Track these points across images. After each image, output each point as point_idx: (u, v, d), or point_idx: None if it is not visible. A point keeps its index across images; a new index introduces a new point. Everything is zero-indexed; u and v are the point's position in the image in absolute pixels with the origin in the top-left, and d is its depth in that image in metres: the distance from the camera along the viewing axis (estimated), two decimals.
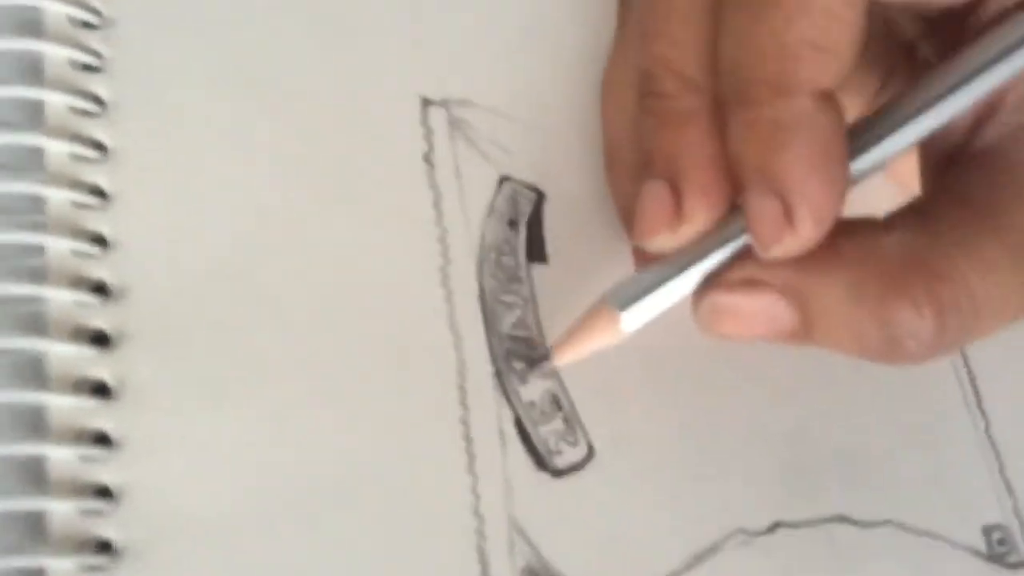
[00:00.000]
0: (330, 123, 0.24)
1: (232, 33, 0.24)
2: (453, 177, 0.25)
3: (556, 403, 0.24)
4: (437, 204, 0.25)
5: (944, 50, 0.22)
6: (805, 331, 0.22)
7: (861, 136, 0.22)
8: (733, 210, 0.22)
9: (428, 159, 0.25)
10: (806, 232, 0.20)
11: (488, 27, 0.26)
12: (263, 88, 0.24)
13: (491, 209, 0.25)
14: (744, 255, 0.22)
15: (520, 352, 0.24)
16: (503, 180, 0.25)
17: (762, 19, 0.20)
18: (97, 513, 0.19)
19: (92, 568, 0.19)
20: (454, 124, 0.25)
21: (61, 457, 0.19)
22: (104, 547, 0.19)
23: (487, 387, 0.24)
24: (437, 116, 0.25)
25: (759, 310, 0.21)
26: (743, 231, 0.22)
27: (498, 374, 0.24)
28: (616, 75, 0.25)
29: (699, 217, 0.22)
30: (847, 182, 0.21)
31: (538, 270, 0.25)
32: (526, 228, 0.25)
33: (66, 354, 0.20)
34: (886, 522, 0.26)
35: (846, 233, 0.21)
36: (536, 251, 0.25)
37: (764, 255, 0.21)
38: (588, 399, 0.24)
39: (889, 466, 0.26)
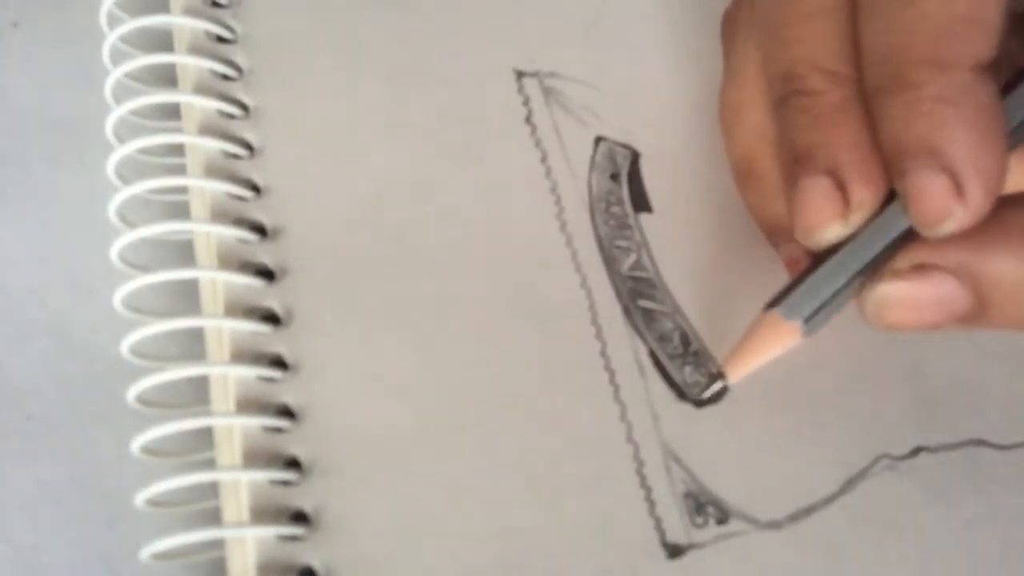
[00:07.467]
0: (440, 91, 0.26)
1: (346, 8, 0.25)
2: (554, 137, 0.26)
3: (685, 339, 0.25)
4: (544, 160, 0.26)
5: None
6: (980, 312, 0.21)
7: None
8: (885, 203, 0.22)
9: (529, 121, 0.26)
10: (977, 201, 0.20)
11: (567, 8, 0.28)
12: (379, 59, 0.26)
13: (593, 164, 0.26)
14: (906, 244, 0.21)
15: (642, 292, 0.25)
16: (599, 140, 0.27)
17: (913, 2, 0.20)
18: (282, 431, 0.19)
19: (283, 483, 0.19)
20: (547, 92, 0.27)
21: (240, 376, 0.19)
22: (293, 464, 0.19)
23: (619, 323, 0.24)
24: (531, 85, 0.27)
25: (932, 296, 0.21)
26: (901, 219, 0.21)
27: (626, 312, 0.24)
28: (736, 97, 0.25)
29: (867, 205, 0.21)
30: (1007, 150, 0.21)
31: (645, 218, 0.26)
32: (627, 181, 0.26)
33: (236, 283, 0.20)
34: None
35: (1008, 206, 0.21)
36: (640, 201, 0.26)
37: (933, 233, 0.20)
38: (714, 335, 0.25)
39: (1015, 390, 0.26)
